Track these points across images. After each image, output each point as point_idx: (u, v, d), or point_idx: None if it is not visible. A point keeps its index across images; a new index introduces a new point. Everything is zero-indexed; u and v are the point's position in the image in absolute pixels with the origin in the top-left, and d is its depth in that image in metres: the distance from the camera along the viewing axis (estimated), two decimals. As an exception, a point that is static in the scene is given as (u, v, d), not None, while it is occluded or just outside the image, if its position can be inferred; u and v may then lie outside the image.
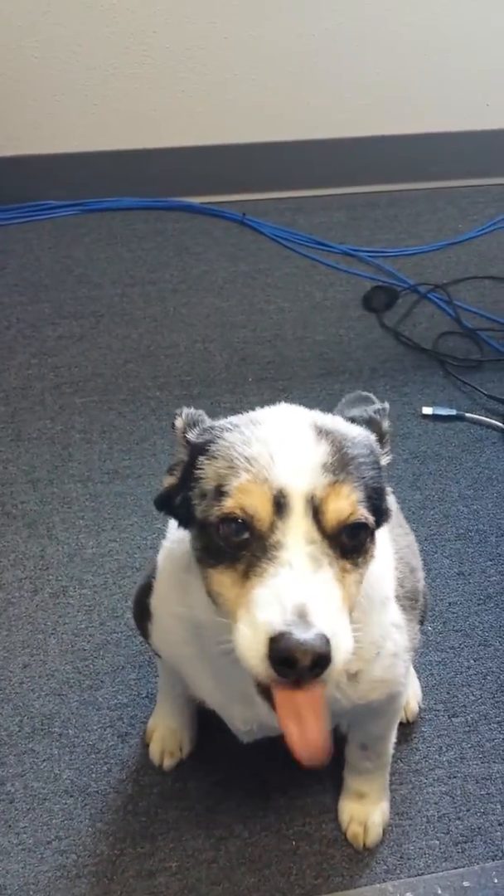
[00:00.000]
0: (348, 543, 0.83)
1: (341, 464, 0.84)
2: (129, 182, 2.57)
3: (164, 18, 2.36)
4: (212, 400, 2.01)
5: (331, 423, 0.90)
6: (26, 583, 1.65)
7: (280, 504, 0.81)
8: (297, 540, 0.80)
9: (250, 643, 0.78)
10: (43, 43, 2.36)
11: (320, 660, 0.75)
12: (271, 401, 2.06)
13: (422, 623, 1.22)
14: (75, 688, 1.49)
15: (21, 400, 2.01)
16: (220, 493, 0.84)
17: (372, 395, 1.07)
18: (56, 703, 1.47)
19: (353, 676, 1.02)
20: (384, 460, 0.95)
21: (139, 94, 2.48)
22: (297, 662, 0.75)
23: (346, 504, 0.82)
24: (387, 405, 0.98)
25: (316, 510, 0.81)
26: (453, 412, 1.98)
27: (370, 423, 0.95)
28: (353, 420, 0.95)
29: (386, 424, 0.97)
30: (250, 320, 2.24)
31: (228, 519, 0.82)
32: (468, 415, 1.98)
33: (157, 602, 1.10)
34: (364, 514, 0.83)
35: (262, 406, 2.13)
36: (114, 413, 1.98)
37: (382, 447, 0.95)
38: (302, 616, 0.75)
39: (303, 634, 0.74)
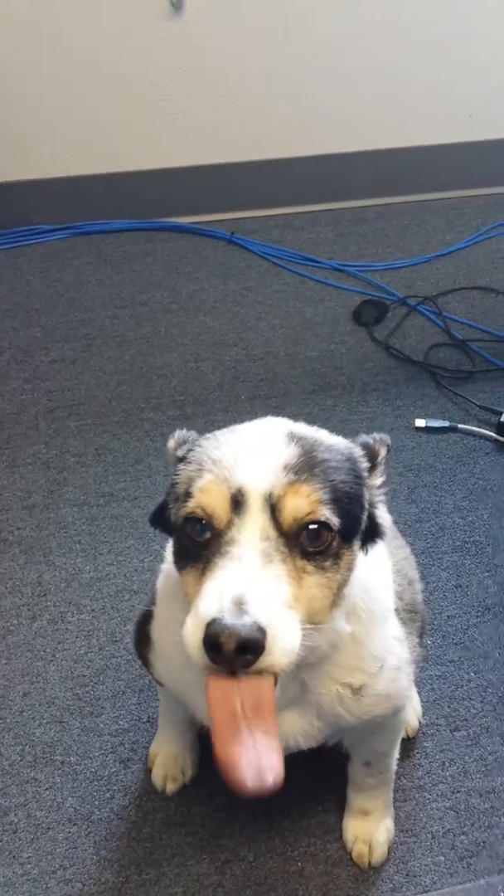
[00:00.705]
0: (308, 543, 0.83)
1: (306, 466, 0.85)
2: (118, 204, 2.59)
3: (147, 41, 2.38)
4: (205, 419, 2.02)
5: (310, 432, 0.92)
6: (24, 609, 1.65)
7: (238, 502, 0.82)
8: (250, 536, 0.81)
9: (191, 630, 0.79)
10: (29, 68, 2.38)
11: (248, 645, 0.75)
12: (264, 417, 2.07)
13: (421, 637, 1.22)
14: (76, 714, 1.49)
15: (15, 425, 2.01)
16: (187, 494, 0.86)
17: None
18: (57, 731, 1.47)
19: (357, 691, 1.02)
20: (375, 479, 0.95)
21: (125, 117, 2.50)
22: (222, 646, 0.75)
23: (305, 503, 0.83)
24: (387, 437, 0.99)
25: (274, 508, 0.82)
26: (446, 424, 1.99)
27: (365, 446, 0.96)
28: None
29: (383, 452, 0.97)
30: (241, 338, 2.25)
31: (191, 518, 0.85)
32: (461, 426, 1.99)
33: (157, 627, 1.11)
34: (325, 515, 0.83)
35: (255, 424, 2.12)
36: (108, 435, 1.99)
37: (373, 470, 0.95)
38: (238, 604, 0.76)
39: (233, 620, 0.75)
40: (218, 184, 2.62)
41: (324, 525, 0.84)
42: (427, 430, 1.99)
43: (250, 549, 0.80)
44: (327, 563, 0.85)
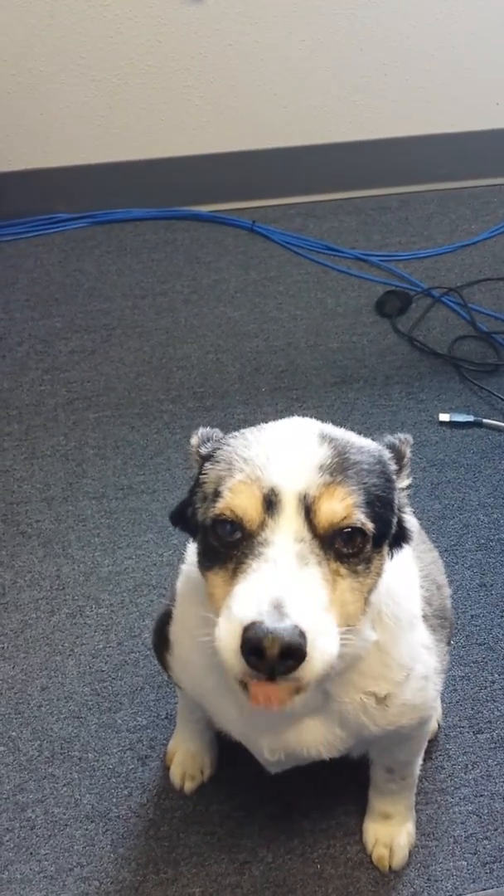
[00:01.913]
0: (343, 547, 0.81)
1: (341, 467, 0.83)
2: (138, 193, 2.56)
3: (168, 27, 2.35)
4: (225, 412, 2.00)
5: (339, 433, 0.89)
6: (43, 603, 1.64)
7: (271, 503, 0.80)
8: (284, 538, 0.79)
9: (226, 636, 0.76)
10: (48, 56, 2.35)
11: (290, 651, 0.73)
12: (285, 410, 2.07)
13: (449, 643, 1.20)
14: (94, 710, 1.48)
15: (34, 417, 2.00)
16: (216, 494, 0.84)
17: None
18: (75, 727, 1.46)
19: (381, 700, 0.99)
20: (402, 482, 0.93)
21: (145, 105, 2.46)
22: (264, 652, 0.73)
23: (341, 506, 0.81)
24: (409, 437, 0.97)
25: (308, 510, 0.80)
26: (471, 418, 1.95)
27: (391, 447, 0.94)
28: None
29: (408, 453, 0.95)
30: (262, 329, 2.22)
31: (221, 519, 0.82)
32: (486, 421, 1.95)
33: (176, 629, 1.09)
34: (360, 519, 0.81)
35: (275, 416, 2.11)
36: (127, 428, 1.97)
37: (401, 471, 0.93)
38: (277, 608, 0.74)
39: (273, 623, 0.73)
40: (239, 172, 2.58)
41: (358, 529, 0.82)
42: (451, 424, 1.95)
43: (285, 551, 0.78)
44: (360, 567, 0.83)
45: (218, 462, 0.87)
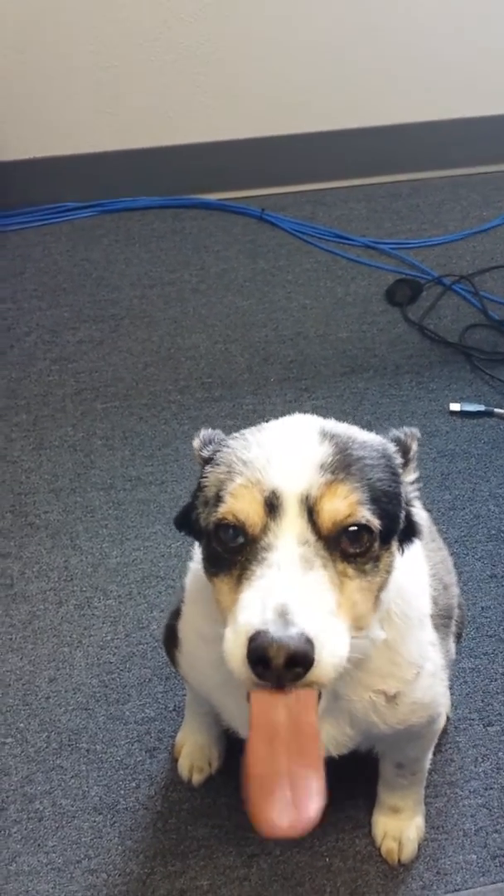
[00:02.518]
0: (349, 546, 0.80)
1: (343, 464, 0.81)
2: (146, 181, 2.54)
3: (176, 13, 2.32)
4: (234, 402, 1.98)
5: (341, 428, 0.87)
6: (51, 594, 1.63)
7: (273, 505, 0.79)
8: (288, 541, 0.78)
9: (233, 646, 0.75)
10: (55, 43, 2.33)
11: (297, 659, 0.72)
12: (294, 401, 2.05)
13: (460, 637, 1.18)
14: (102, 702, 1.47)
15: (42, 407, 1.99)
16: (217, 499, 0.83)
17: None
18: (83, 718, 1.45)
19: (391, 699, 0.98)
20: (409, 476, 0.91)
21: (153, 92, 2.44)
22: (270, 661, 0.71)
23: (344, 504, 0.79)
24: (416, 430, 0.95)
25: (311, 510, 0.79)
26: (482, 408, 1.93)
27: (396, 441, 0.92)
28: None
29: (415, 446, 0.93)
30: (271, 319, 2.20)
31: (223, 524, 0.81)
32: (497, 410, 1.93)
33: (184, 626, 1.08)
34: (365, 516, 0.80)
35: (284, 406, 2.09)
36: (135, 418, 1.96)
37: (407, 465, 0.91)
38: (282, 615, 0.72)
39: (278, 632, 0.71)
40: (248, 159, 2.55)
41: (364, 527, 0.80)
42: (462, 414, 1.93)
43: (289, 555, 0.77)
44: (368, 566, 0.81)
45: (218, 465, 0.85)
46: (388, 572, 0.86)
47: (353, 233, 2.44)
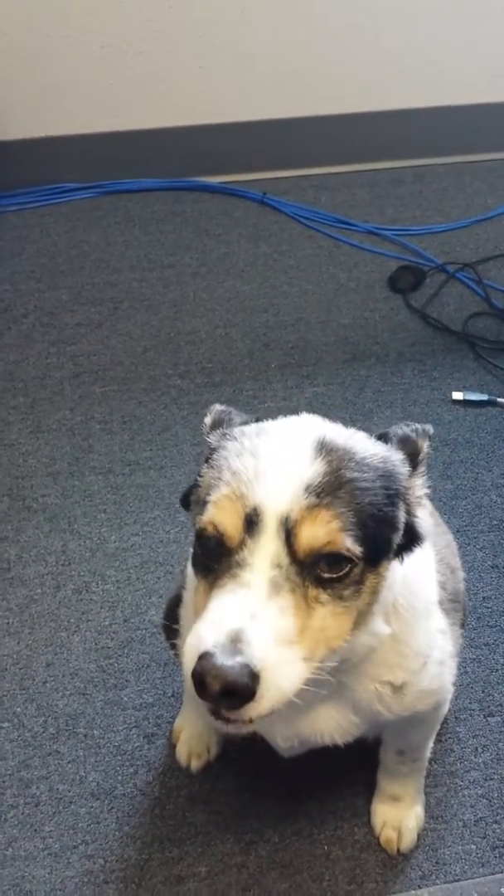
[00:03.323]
0: (326, 571, 0.77)
1: (331, 486, 0.78)
2: (147, 163, 2.51)
3: (180, -8, 2.29)
4: (234, 388, 1.96)
5: (343, 439, 0.83)
6: (48, 578, 1.62)
7: (252, 522, 0.77)
8: (261, 561, 0.76)
9: (188, 657, 0.74)
10: (55, 22, 2.29)
11: (234, 690, 0.70)
12: (295, 387, 2.03)
13: (463, 627, 1.17)
14: (100, 687, 1.46)
15: (40, 390, 1.97)
16: (205, 503, 0.81)
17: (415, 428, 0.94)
18: (80, 703, 1.44)
19: (398, 689, 0.97)
20: (416, 479, 0.88)
21: (155, 72, 2.40)
22: (207, 686, 0.71)
23: (323, 532, 0.76)
24: (429, 427, 0.91)
25: (289, 533, 0.77)
26: (485, 397, 1.91)
27: (404, 442, 0.88)
28: (383, 437, 0.89)
29: (425, 446, 0.89)
30: (272, 304, 2.18)
31: (204, 535, 0.80)
32: (500, 399, 1.91)
33: (185, 612, 1.07)
34: (346, 546, 0.77)
35: (285, 393, 2.07)
36: (134, 402, 1.94)
37: (416, 469, 0.88)
38: (234, 641, 0.71)
39: (223, 660, 0.70)
40: (250, 142, 2.52)
41: (343, 555, 0.78)
42: (464, 403, 1.92)
43: (258, 577, 0.75)
44: (346, 592, 0.79)
45: (212, 467, 0.84)
46: (376, 593, 0.83)
47: (355, 218, 2.42)
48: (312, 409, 0.92)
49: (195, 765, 1.35)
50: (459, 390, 1.93)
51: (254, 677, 0.71)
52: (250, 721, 0.74)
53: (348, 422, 0.90)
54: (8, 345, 2.07)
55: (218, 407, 0.94)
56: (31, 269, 2.26)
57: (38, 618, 1.56)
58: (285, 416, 0.91)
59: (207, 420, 0.93)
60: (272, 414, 0.91)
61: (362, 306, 2.17)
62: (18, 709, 1.43)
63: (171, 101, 2.46)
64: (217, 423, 0.92)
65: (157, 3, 2.30)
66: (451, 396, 1.92)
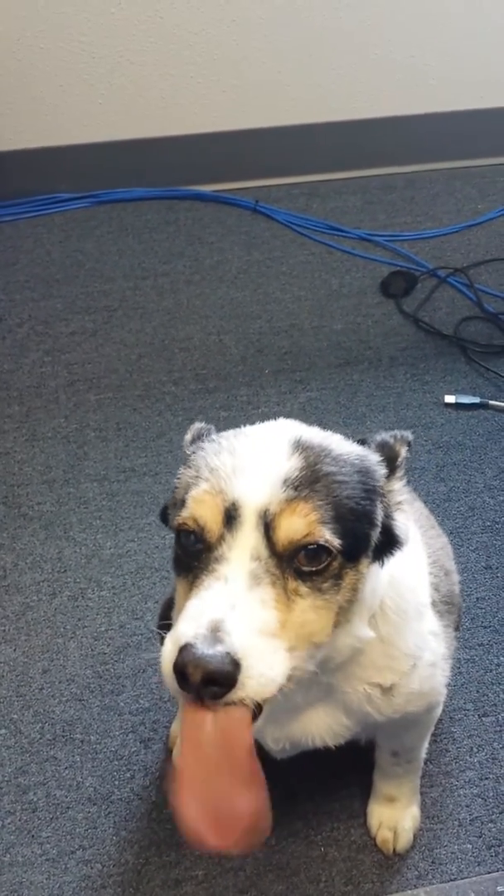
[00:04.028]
0: (305, 564, 0.78)
1: (308, 480, 0.79)
2: (140, 172, 2.53)
3: (171, 3, 2.31)
4: (228, 394, 1.97)
5: (319, 439, 0.85)
6: (44, 585, 1.62)
7: (231, 517, 0.78)
8: (240, 554, 0.77)
9: (167, 654, 0.75)
10: (46, 33, 2.31)
11: (215, 678, 0.71)
12: (289, 392, 2.04)
13: (457, 629, 1.18)
14: (96, 693, 1.46)
15: (35, 399, 1.98)
16: (183, 502, 0.82)
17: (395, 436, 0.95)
18: (77, 709, 1.45)
19: (387, 690, 0.97)
20: (394, 484, 0.89)
21: (146, 82, 2.43)
22: (188, 676, 0.71)
23: (302, 523, 0.77)
24: (408, 434, 0.92)
25: (268, 526, 0.78)
26: (477, 400, 1.93)
27: (382, 447, 0.90)
28: (362, 443, 0.90)
29: (403, 452, 0.90)
30: (265, 310, 2.19)
31: (183, 529, 0.81)
32: (492, 402, 1.92)
33: (177, 615, 1.07)
34: (324, 536, 0.78)
35: (278, 398, 2.08)
36: (129, 409, 1.95)
37: (393, 474, 0.89)
38: (213, 631, 0.72)
39: (204, 649, 0.71)
40: (242, 151, 2.54)
41: (322, 546, 0.79)
42: (456, 406, 1.93)
43: (238, 570, 0.76)
44: (325, 585, 0.80)
45: (189, 468, 0.85)
46: (355, 590, 0.84)
47: (347, 225, 2.43)
48: (306, 414, 0.94)
49: (192, 768, 1.36)
50: (452, 393, 1.94)
51: (235, 665, 0.72)
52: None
53: (341, 426, 0.92)
54: (2, 354, 2.08)
55: (198, 424, 0.96)
56: (26, 279, 2.28)
57: (35, 624, 1.56)
58: (277, 421, 0.92)
59: (188, 437, 0.95)
60: (266, 419, 0.93)
61: (355, 312, 2.19)
62: (15, 715, 1.44)
63: (164, 111, 2.48)
64: (197, 439, 0.94)
65: (149, 13, 2.32)
66: (443, 400, 1.94)
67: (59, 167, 2.51)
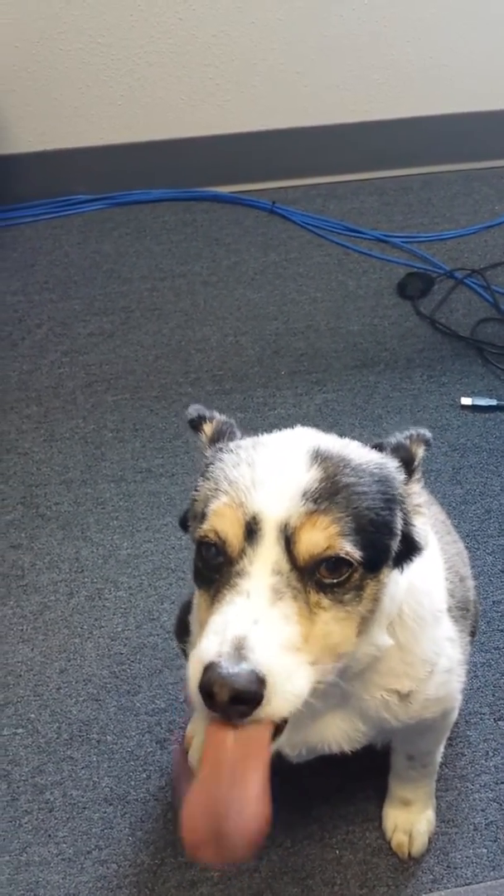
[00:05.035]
0: (326, 577, 0.78)
1: (328, 492, 0.79)
2: (157, 174, 2.53)
3: (189, 5, 2.31)
4: (244, 395, 1.98)
5: (338, 448, 0.85)
6: (62, 585, 1.64)
7: (252, 530, 0.78)
8: (261, 569, 0.77)
9: (192, 673, 0.75)
10: (66, 36, 2.32)
11: (242, 697, 0.71)
12: (305, 394, 2.04)
13: (473, 635, 1.17)
14: (113, 693, 1.47)
15: (53, 399, 1.99)
16: (203, 515, 0.82)
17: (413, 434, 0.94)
18: (94, 709, 1.46)
19: (404, 697, 0.97)
20: (413, 487, 0.88)
21: (165, 84, 2.43)
22: (215, 696, 0.71)
23: (322, 536, 0.77)
24: (426, 432, 0.92)
25: (289, 540, 0.78)
26: (494, 402, 1.92)
27: (397, 450, 0.89)
28: (378, 447, 0.90)
29: (420, 452, 0.90)
30: (282, 312, 2.20)
31: (204, 542, 0.81)
32: (509, 405, 1.92)
33: (194, 618, 1.08)
34: (345, 549, 0.78)
35: (295, 400, 2.08)
36: (146, 410, 1.96)
37: (411, 476, 0.88)
38: (238, 649, 0.72)
39: (229, 667, 0.71)
40: (259, 152, 2.55)
41: (342, 559, 0.79)
42: (473, 408, 1.92)
43: (259, 585, 0.76)
44: (347, 597, 0.80)
45: (208, 479, 0.85)
46: (376, 600, 0.84)
47: (364, 226, 2.43)
48: (322, 416, 0.93)
49: (207, 770, 1.36)
50: (468, 396, 1.94)
51: (261, 682, 0.72)
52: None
53: (357, 428, 0.91)
54: (21, 355, 2.09)
55: (219, 418, 0.95)
56: (45, 280, 2.29)
57: (52, 624, 1.58)
58: (294, 422, 0.92)
59: (207, 431, 0.94)
60: (282, 420, 0.93)
61: (371, 313, 2.18)
62: (32, 714, 1.45)
63: (182, 113, 2.49)
64: (217, 435, 0.93)
65: (168, 14, 2.33)
66: (460, 402, 1.93)
67: (78, 169, 2.52)
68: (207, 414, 0.98)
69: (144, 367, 2.06)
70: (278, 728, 0.77)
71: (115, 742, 1.41)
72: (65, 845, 1.31)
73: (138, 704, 1.46)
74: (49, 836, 1.32)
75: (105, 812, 1.34)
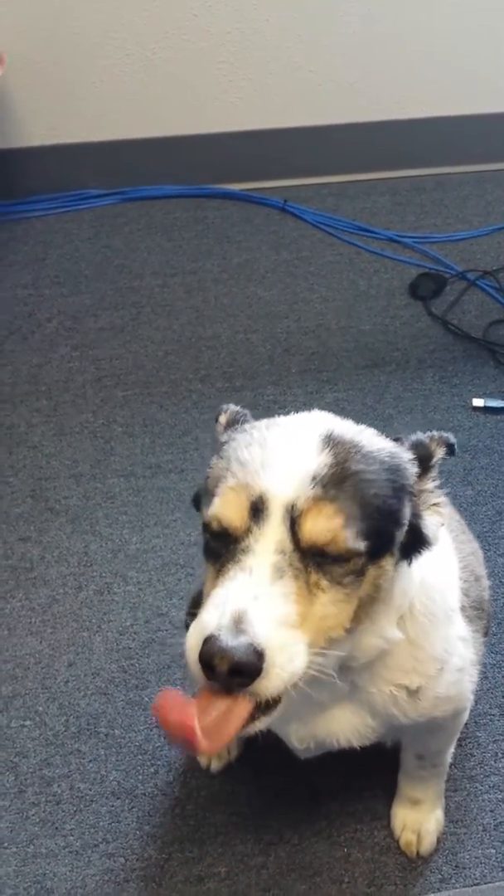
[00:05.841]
0: (329, 559, 0.79)
1: (336, 478, 0.80)
2: (169, 169, 2.53)
3: (204, 1, 2.31)
4: (255, 392, 1.97)
5: (351, 434, 0.85)
6: (70, 579, 1.63)
7: (258, 510, 0.79)
8: (265, 547, 0.78)
9: (192, 643, 0.76)
10: (80, 30, 2.32)
11: (241, 668, 0.72)
12: (315, 392, 2.03)
13: (486, 635, 1.17)
14: (121, 687, 1.47)
15: (63, 393, 1.99)
16: (212, 495, 0.83)
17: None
18: (102, 703, 1.45)
19: (413, 693, 0.97)
20: (426, 484, 0.88)
21: (178, 80, 2.43)
22: (215, 668, 0.72)
23: (327, 527, 0.78)
24: (450, 436, 0.91)
25: (294, 521, 0.78)
26: (505, 404, 1.92)
27: (416, 446, 0.89)
28: (398, 441, 0.90)
29: (440, 453, 0.90)
30: (293, 310, 2.19)
31: (212, 520, 0.82)
32: (521, 406, 1.92)
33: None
34: (349, 545, 0.78)
35: (305, 398, 2.08)
36: (155, 406, 1.96)
37: (426, 473, 0.88)
38: (237, 622, 0.73)
39: (228, 640, 0.72)
40: (272, 150, 2.54)
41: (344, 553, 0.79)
42: (485, 409, 1.92)
43: (262, 562, 0.77)
44: (347, 580, 0.80)
45: (221, 458, 0.86)
46: (378, 587, 0.84)
47: (376, 226, 2.43)
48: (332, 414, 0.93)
49: (215, 765, 1.36)
50: (480, 397, 1.93)
51: (259, 655, 0.73)
52: (262, 707, 0.76)
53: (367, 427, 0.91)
54: (32, 349, 2.09)
55: (233, 408, 0.96)
56: (55, 275, 2.29)
57: (61, 618, 1.57)
58: (311, 412, 0.92)
59: (222, 420, 0.95)
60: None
61: (383, 313, 2.18)
62: (40, 707, 1.45)
63: (194, 109, 2.49)
64: (232, 423, 0.94)
65: (182, 11, 2.32)
66: (471, 403, 1.93)
67: (90, 164, 2.52)
68: (224, 406, 0.99)
69: (154, 363, 2.06)
70: (268, 705, 0.77)
71: (122, 736, 1.41)
72: (72, 838, 1.30)
73: (146, 699, 1.45)
74: (56, 828, 1.31)
75: (113, 806, 1.34)
